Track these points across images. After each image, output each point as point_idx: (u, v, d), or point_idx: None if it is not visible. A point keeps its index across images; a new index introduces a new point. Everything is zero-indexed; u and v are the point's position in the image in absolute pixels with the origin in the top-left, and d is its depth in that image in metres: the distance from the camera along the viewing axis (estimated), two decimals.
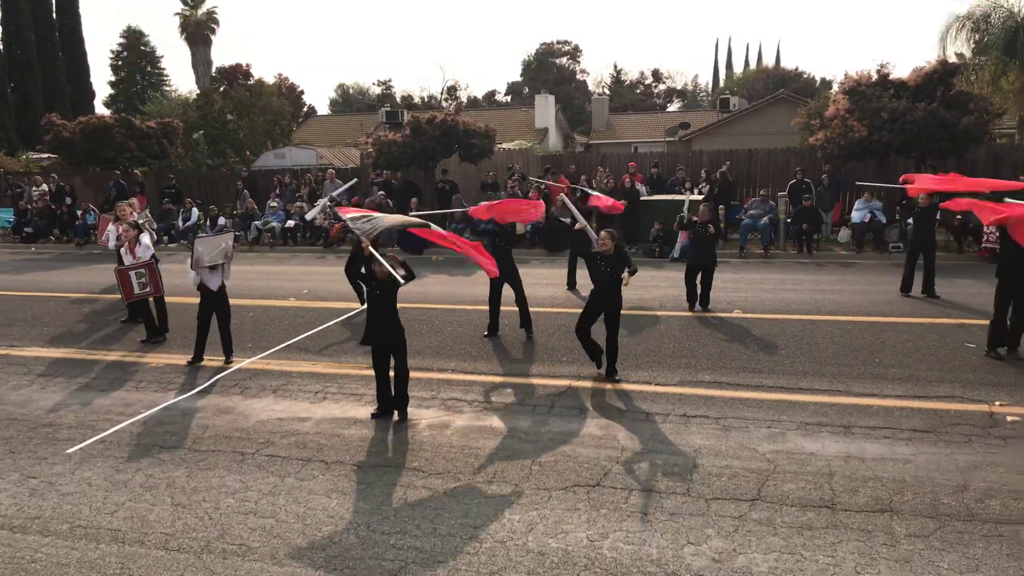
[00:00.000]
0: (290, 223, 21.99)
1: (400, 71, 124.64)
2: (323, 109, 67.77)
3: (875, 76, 18.68)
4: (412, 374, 8.52)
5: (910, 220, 14.18)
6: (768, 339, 10.03)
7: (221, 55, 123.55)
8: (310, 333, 11.20)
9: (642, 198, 19.28)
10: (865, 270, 15.46)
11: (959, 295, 12.44)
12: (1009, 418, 7.10)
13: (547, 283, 14.87)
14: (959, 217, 16.76)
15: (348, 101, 69.25)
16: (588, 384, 8.51)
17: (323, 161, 30.64)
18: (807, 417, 7.31)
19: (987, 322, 9.38)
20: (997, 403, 7.49)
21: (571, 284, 14.07)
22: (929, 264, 12.51)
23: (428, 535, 5.36)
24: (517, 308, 10.77)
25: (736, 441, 6.80)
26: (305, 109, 60.31)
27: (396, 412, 7.60)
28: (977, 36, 24.57)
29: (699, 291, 11.76)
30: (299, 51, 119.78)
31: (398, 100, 63.87)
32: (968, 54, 24.93)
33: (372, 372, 7.70)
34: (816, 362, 9.02)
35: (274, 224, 22.14)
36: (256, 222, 22.37)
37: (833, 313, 11.38)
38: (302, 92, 61.86)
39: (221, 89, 39.84)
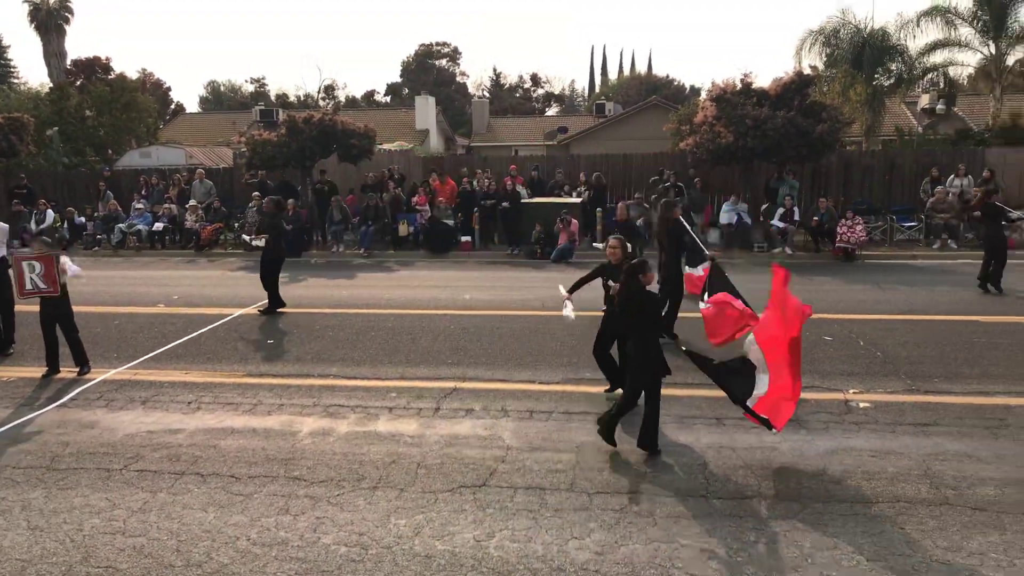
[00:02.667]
0: (158, 225, 20.89)
1: (275, 69, 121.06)
2: (192, 107, 64.88)
3: (739, 85, 19.71)
4: (293, 380, 8.31)
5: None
6: None
7: (77, 47, 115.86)
8: (181, 341, 10.68)
9: (523, 200, 19.55)
10: (733, 269, 16.16)
11: (817, 292, 13.30)
12: (861, 405, 7.67)
13: (431, 285, 14.83)
14: (816, 218, 17.96)
15: (219, 99, 66.51)
16: (473, 385, 8.54)
17: (193, 161, 29.27)
18: (682, 410, 7.62)
19: (841, 316, 10.09)
20: (851, 391, 8.08)
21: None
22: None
23: (311, 545, 5.23)
24: None
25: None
26: (173, 106, 57.47)
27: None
28: (828, 50, 26.48)
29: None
30: (165, 45, 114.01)
31: (273, 99, 61.98)
32: (821, 66, 26.80)
33: (250, 380, 7.43)
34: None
35: (140, 227, 20.98)
36: (120, 224, 21.12)
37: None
38: (169, 88, 58.98)
39: (78, 83, 37.29)
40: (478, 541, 5.24)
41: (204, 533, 5.41)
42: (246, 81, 69.58)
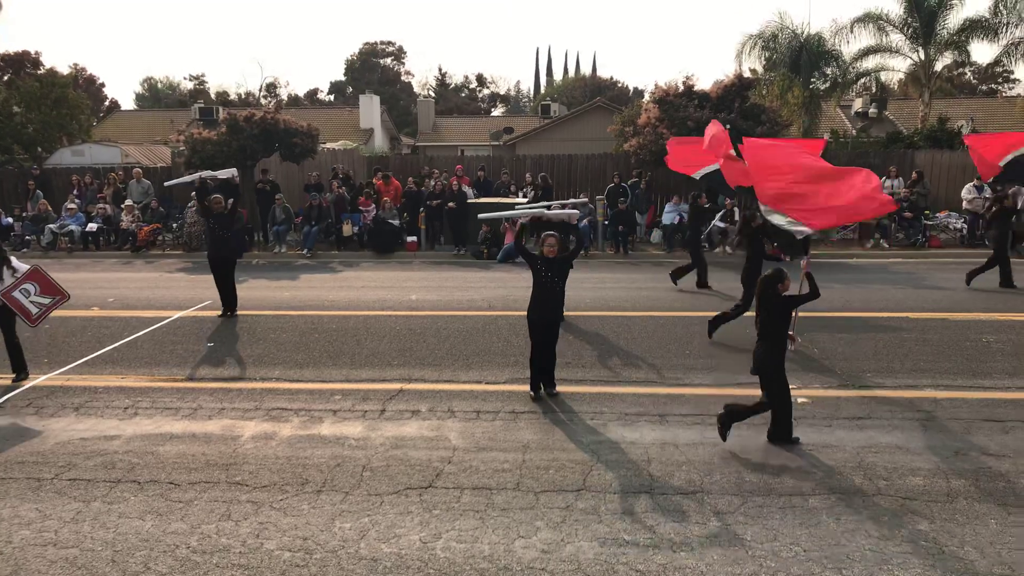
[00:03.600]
0: (92, 226, 20.23)
1: (215, 66, 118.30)
2: (128, 104, 63.10)
3: (682, 87, 20.05)
4: (234, 384, 8.13)
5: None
6: (589, 335, 10.49)
7: (5, 41, 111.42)
8: (117, 345, 10.37)
9: (469, 200, 19.54)
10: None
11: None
12: (800, 400, 7.87)
13: (376, 285, 14.70)
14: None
15: (156, 96, 64.84)
16: (419, 386, 8.50)
17: (129, 159, 28.43)
18: (626, 408, 7.72)
19: None
20: (791, 386, 8.27)
21: (702, 282, 13.80)
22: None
23: (254, 551, 5.13)
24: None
25: (562, 434, 7.05)
26: (107, 103, 55.77)
27: None
28: (767, 54, 27.17)
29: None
30: (98, 40, 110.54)
31: (212, 96, 60.66)
32: (760, 70, 27.47)
33: (190, 384, 7.25)
34: (633, 355, 9.56)
35: (72, 227, 20.29)
36: (51, 225, 20.40)
37: (648, 309, 12.10)
38: (103, 85, 57.34)
39: (5, 79, 35.89)
40: (424, 543, 5.21)
41: (141, 542, 5.27)
42: (185, 78, 68.22)
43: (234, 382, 8.77)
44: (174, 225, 20.67)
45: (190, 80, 66.77)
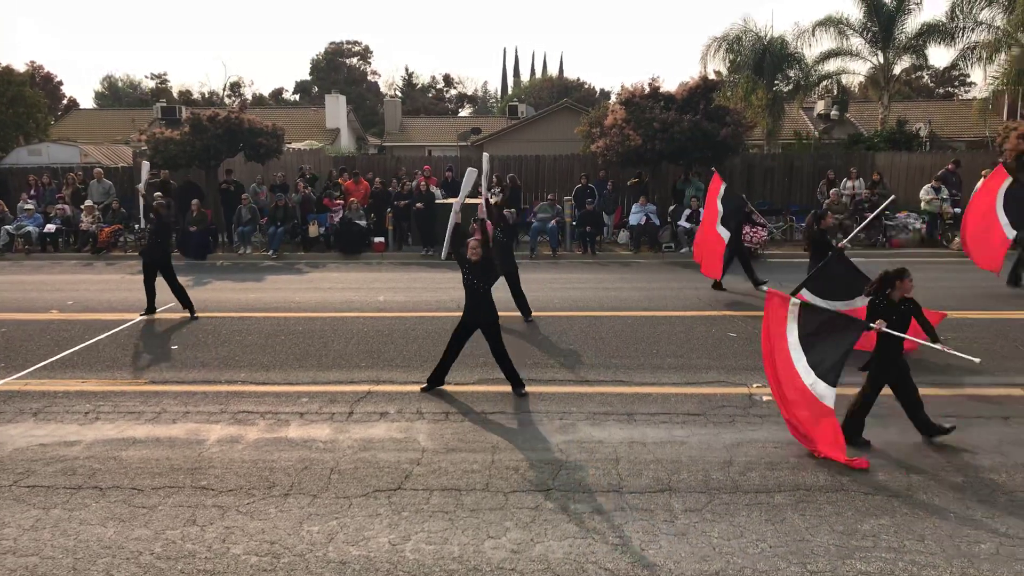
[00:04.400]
0: (50, 227, 19.79)
1: (177, 65, 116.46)
2: (87, 102, 61.84)
3: (648, 89, 20.19)
4: (198, 387, 8.02)
5: None
6: (558, 336, 10.53)
7: None
8: (77, 348, 10.17)
9: (437, 201, 19.47)
10: (642, 268, 16.69)
11: (723, 290, 13.77)
12: (765, 398, 7.98)
13: (343, 287, 14.59)
14: None
15: (117, 95, 63.61)
16: (388, 388, 8.46)
17: (89, 159, 27.89)
18: (595, 407, 7.76)
19: (744, 313, 10.49)
20: (755, 385, 8.40)
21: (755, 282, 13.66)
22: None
23: (220, 556, 5.07)
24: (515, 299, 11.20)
25: (531, 434, 7.07)
26: (65, 102, 54.61)
27: None
28: (732, 56, 27.50)
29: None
30: (56, 37, 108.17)
31: (175, 95, 59.71)
32: (725, 72, 27.80)
33: (153, 388, 7.14)
34: (601, 355, 9.61)
35: (30, 228, 19.83)
36: (7, 226, 19.92)
37: (615, 309, 12.18)
38: (60, 83, 56.15)
39: None
40: (393, 545, 5.19)
41: (103, 549, 5.17)
42: (146, 77, 66.89)
43: (199, 385, 8.65)
44: (136, 226, 20.29)
45: (152, 79, 65.65)
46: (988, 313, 11.53)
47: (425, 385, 8.29)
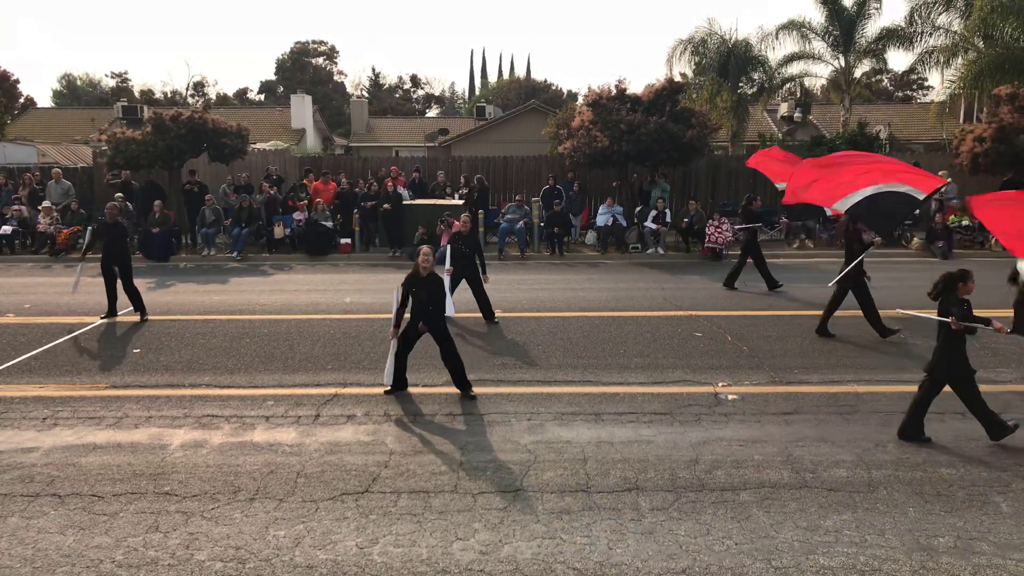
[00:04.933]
0: (5, 228, 19.31)
1: (138, 63, 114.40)
2: (44, 101, 60.52)
3: (614, 91, 20.32)
4: (161, 391, 7.89)
5: None
6: (526, 336, 10.54)
7: None
8: (35, 352, 9.94)
9: (405, 202, 19.40)
10: (609, 269, 16.79)
11: (686, 290, 13.92)
12: (730, 397, 8.09)
13: (309, 288, 14.46)
14: (685, 220, 18.76)
15: (76, 94, 62.32)
16: (355, 391, 8.40)
17: (47, 159, 27.29)
18: (563, 407, 7.79)
19: (710, 313, 10.59)
20: (720, 384, 8.50)
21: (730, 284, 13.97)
22: None
23: (183, 563, 4.99)
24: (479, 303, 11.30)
25: (499, 435, 7.08)
26: (22, 100, 53.32)
27: None
28: (697, 59, 27.79)
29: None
30: (11, 34, 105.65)
31: (136, 95, 58.67)
32: (690, 74, 28.08)
33: (114, 392, 7.01)
34: (569, 355, 9.65)
35: None
36: None
37: (583, 310, 12.23)
38: (17, 81, 54.56)
39: None
40: (361, 548, 5.16)
41: (63, 558, 5.06)
42: (106, 75, 65.63)
43: (162, 389, 8.51)
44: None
45: (112, 77, 64.31)
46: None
47: (388, 388, 8.24)
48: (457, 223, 11.72)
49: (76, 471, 6.39)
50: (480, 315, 11.33)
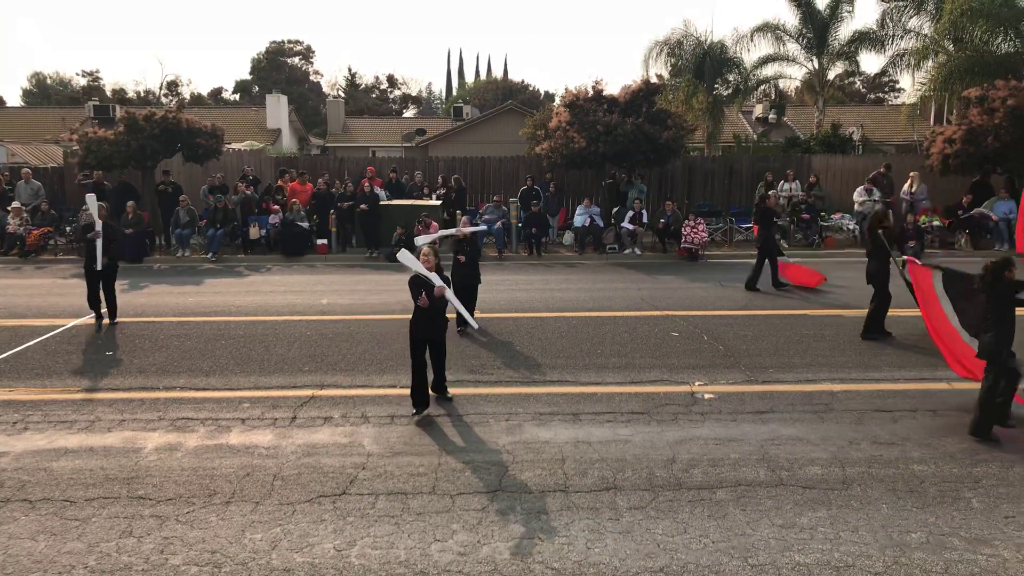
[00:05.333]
0: None
1: (110, 62, 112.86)
2: (14, 100, 59.52)
3: (591, 92, 20.38)
4: (135, 394, 7.78)
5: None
6: (504, 337, 10.54)
7: None
8: (4, 356, 9.78)
9: (382, 202, 19.32)
10: (587, 270, 16.84)
11: (663, 290, 13.99)
12: (706, 396, 8.14)
13: (285, 290, 14.36)
14: (662, 221, 18.87)
15: (46, 93, 61.33)
16: (332, 392, 8.35)
17: (16, 159, 26.83)
18: (541, 408, 7.80)
19: (686, 313, 10.66)
20: (697, 383, 8.56)
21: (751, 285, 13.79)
22: None
23: (158, 568, 4.93)
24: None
25: (478, 436, 7.07)
26: None
27: None
28: (673, 60, 27.94)
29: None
30: None
31: (108, 94, 57.91)
32: (666, 75, 28.22)
33: (86, 396, 6.91)
34: (547, 356, 9.66)
35: None
36: None
37: (561, 310, 12.26)
38: None
39: None
40: (339, 551, 5.13)
41: (34, 564, 4.98)
42: (77, 74, 64.66)
43: (135, 392, 8.40)
44: (67, 229, 19.61)
45: (83, 76, 63.47)
46: (919, 311, 11.94)
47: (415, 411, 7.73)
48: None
49: (47, 476, 6.29)
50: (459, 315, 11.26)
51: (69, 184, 21.64)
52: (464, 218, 11.22)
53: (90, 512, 5.68)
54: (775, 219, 14.34)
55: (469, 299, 10.84)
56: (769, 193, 14.85)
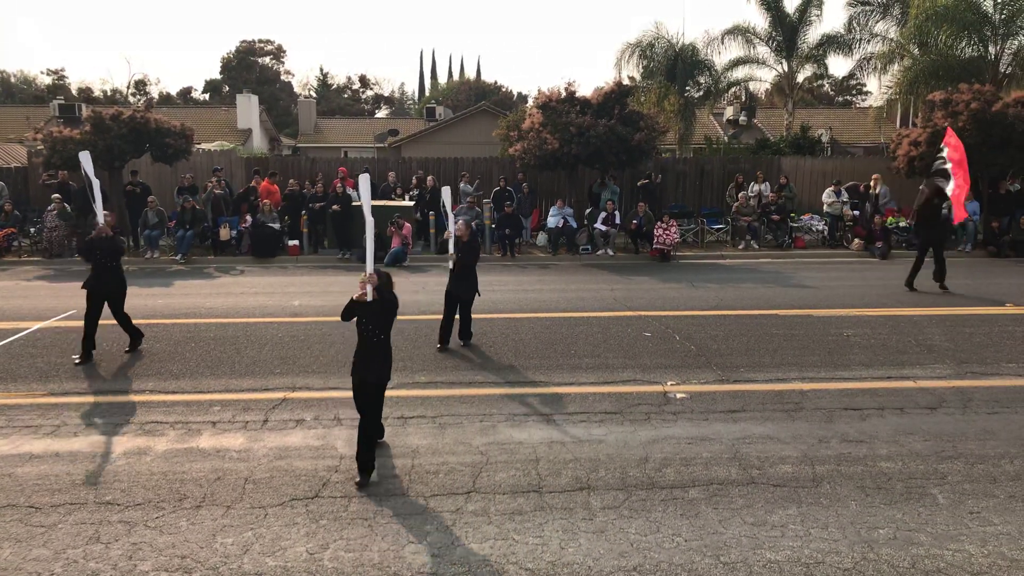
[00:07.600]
0: None
1: (76, 60, 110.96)
2: None
3: (564, 93, 20.44)
4: (102, 398, 7.66)
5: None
6: (478, 338, 10.52)
7: None
8: None
9: (354, 203, 19.20)
10: (560, 270, 16.88)
11: (636, 290, 14.08)
12: (678, 395, 8.20)
13: (256, 291, 14.22)
14: (635, 222, 18.98)
15: (9, 91, 60.26)
16: (304, 395, 8.29)
17: None
18: (515, 409, 7.81)
19: (658, 313, 10.73)
20: (669, 383, 8.62)
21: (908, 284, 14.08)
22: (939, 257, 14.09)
23: (127, 574, 4.85)
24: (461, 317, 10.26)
25: (452, 437, 7.06)
26: None
27: None
28: (645, 62, 28.15)
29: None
30: None
31: (74, 92, 56.94)
32: (639, 77, 28.41)
33: (52, 400, 6.78)
34: (521, 356, 9.67)
35: None
36: None
37: (534, 311, 12.28)
38: None
39: None
40: (311, 554, 5.09)
41: None
42: (42, 72, 63.59)
43: (103, 396, 8.27)
44: (31, 230, 19.24)
45: (48, 75, 62.37)
46: (885, 310, 12.16)
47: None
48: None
49: (11, 481, 6.17)
50: (438, 316, 11.23)
51: (34, 184, 21.25)
52: (460, 221, 10.34)
53: (56, 518, 5.57)
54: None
55: (463, 316, 10.27)
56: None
